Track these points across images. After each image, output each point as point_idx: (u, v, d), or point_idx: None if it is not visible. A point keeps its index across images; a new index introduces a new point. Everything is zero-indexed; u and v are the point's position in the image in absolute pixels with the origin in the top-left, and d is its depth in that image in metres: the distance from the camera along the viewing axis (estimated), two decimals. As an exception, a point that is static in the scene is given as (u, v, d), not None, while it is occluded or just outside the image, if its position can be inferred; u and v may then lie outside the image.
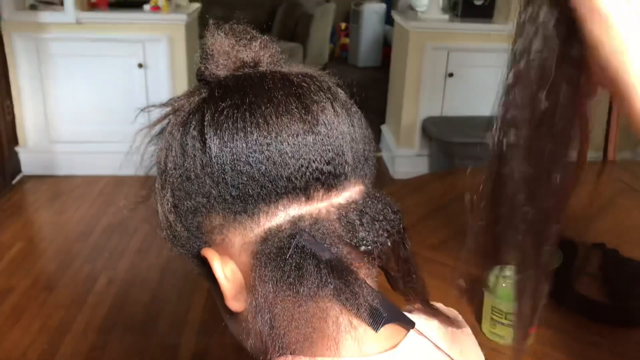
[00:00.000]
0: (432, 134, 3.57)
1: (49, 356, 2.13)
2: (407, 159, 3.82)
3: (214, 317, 2.37)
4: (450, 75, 3.67)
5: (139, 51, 3.54)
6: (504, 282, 1.03)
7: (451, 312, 0.62)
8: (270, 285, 0.47)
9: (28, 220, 3.21)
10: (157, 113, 0.54)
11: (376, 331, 0.49)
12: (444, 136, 3.41)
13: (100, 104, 3.61)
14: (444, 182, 1.86)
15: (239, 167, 0.46)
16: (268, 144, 0.46)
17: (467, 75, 3.67)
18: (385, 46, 7.09)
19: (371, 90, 5.87)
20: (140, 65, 3.55)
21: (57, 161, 3.69)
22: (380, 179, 3.73)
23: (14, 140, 3.66)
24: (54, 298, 2.47)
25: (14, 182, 3.59)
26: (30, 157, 3.69)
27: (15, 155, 3.65)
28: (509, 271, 1.06)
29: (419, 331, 0.53)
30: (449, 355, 0.54)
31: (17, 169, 3.67)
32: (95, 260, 2.77)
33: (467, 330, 0.62)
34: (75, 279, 2.61)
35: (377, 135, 4.28)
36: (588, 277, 1.26)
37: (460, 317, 0.62)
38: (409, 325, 0.53)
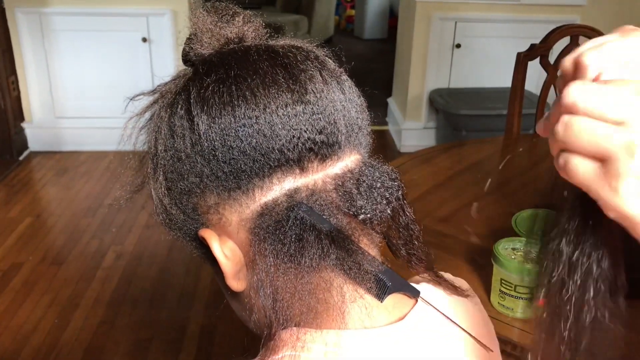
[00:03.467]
0: (439, 107, 3.54)
1: (59, 330, 2.15)
2: (414, 132, 3.79)
3: (221, 291, 2.38)
4: (458, 46, 3.62)
5: (142, 25, 3.51)
6: (513, 254, 1.02)
7: (459, 281, 0.62)
8: (271, 258, 0.46)
9: (36, 195, 3.22)
10: (146, 101, 0.53)
11: (381, 301, 0.49)
12: (452, 108, 3.38)
13: (105, 79, 3.60)
14: (451, 154, 1.85)
15: (229, 142, 0.45)
16: (257, 117, 0.45)
17: (474, 46, 3.62)
18: (392, 17, 7.00)
19: (377, 63, 5.82)
20: (144, 40, 3.52)
21: (63, 137, 3.69)
22: (386, 152, 3.73)
23: (20, 116, 3.65)
24: (63, 273, 2.49)
25: (21, 158, 3.60)
26: (37, 133, 3.69)
27: (21, 131, 3.65)
28: (519, 243, 1.05)
29: (425, 300, 0.53)
30: (457, 324, 0.54)
31: (24, 145, 3.68)
32: (103, 236, 2.78)
33: (476, 299, 0.61)
34: (83, 254, 2.63)
35: (384, 109, 4.25)
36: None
37: (468, 286, 0.62)
38: (415, 294, 0.52)
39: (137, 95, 0.55)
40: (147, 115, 0.52)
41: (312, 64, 0.48)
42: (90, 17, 3.47)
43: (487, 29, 3.61)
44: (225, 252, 0.49)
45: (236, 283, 0.50)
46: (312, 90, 0.47)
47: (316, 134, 0.46)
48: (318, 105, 0.47)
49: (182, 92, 0.48)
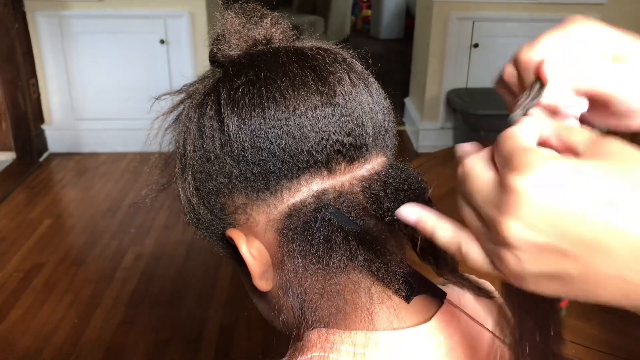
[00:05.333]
0: (456, 107, 3.52)
1: (80, 330, 2.17)
2: (432, 133, 3.78)
3: (240, 291, 2.39)
4: (475, 46, 3.60)
5: (160, 27, 3.53)
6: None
7: (484, 284, 0.61)
8: (299, 259, 0.47)
9: (56, 197, 3.25)
10: (172, 101, 0.53)
11: (408, 302, 0.49)
12: (469, 108, 3.36)
13: (124, 81, 3.63)
14: (470, 154, 1.83)
15: (258, 144, 0.45)
16: (286, 119, 0.45)
17: (492, 46, 3.60)
18: (408, 17, 6.99)
19: (394, 63, 5.81)
20: (162, 42, 3.55)
21: (82, 138, 3.73)
22: (404, 153, 3.72)
23: (39, 118, 3.70)
24: (83, 273, 2.51)
25: (41, 159, 3.64)
26: (56, 135, 3.73)
27: (41, 133, 3.70)
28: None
29: (451, 302, 0.53)
30: (483, 325, 0.53)
31: (44, 146, 3.72)
32: (123, 236, 2.80)
33: (501, 301, 0.61)
34: (103, 255, 2.65)
35: (401, 109, 4.24)
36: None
37: (492, 288, 0.62)
38: (441, 296, 0.52)
39: (163, 95, 0.55)
40: (173, 115, 0.52)
41: (341, 66, 0.49)
42: (109, 20, 3.51)
43: (505, 28, 3.59)
44: (253, 252, 0.49)
45: (263, 283, 0.50)
46: (341, 93, 0.47)
47: (344, 136, 0.46)
48: (346, 108, 0.47)
49: (212, 93, 0.48)
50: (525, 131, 0.36)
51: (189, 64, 3.58)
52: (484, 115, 3.30)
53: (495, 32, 3.59)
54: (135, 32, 3.55)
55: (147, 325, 2.22)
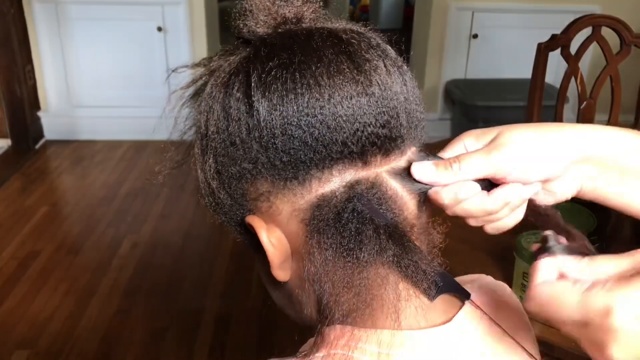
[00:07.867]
0: (455, 98, 3.51)
1: (75, 319, 2.16)
2: (430, 123, 3.75)
3: (236, 280, 2.39)
4: (475, 36, 3.58)
5: (157, 14, 3.50)
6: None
7: (501, 285, 0.61)
8: (328, 251, 0.45)
9: (52, 184, 3.24)
10: (187, 76, 0.51)
11: (431, 301, 0.47)
12: (468, 99, 3.35)
13: (121, 68, 3.60)
14: (469, 145, 1.83)
15: (290, 132, 0.43)
16: (321, 107, 0.43)
17: (492, 37, 3.58)
18: (407, 7, 6.94)
19: (392, 53, 5.78)
20: (159, 29, 3.52)
21: (79, 126, 3.71)
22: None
23: (36, 105, 3.67)
24: (79, 261, 2.50)
25: (37, 146, 3.62)
26: (53, 122, 3.70)
27: (37, 120, 3.67)
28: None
29: (474, 303, 0.51)
30: (503, 329, 0.51)
31: (40, 133, 3.70)
32: (119, 225, 2.79)
33: (519, 304, 0.60)
34: (99, 243, 2.64)
35: (399, 99, 4.23)
36: (621, 243, 1.23)
37: (510, 291, 0.61)
38: (465, 296, 0.51)
39: (180, 67, 0.53)
40: (192, 90, 0.50)
41: (376, 52, 0.47)
42: (106, 6, 3.48)
43: (504, 19, 3.57)
44: (273, 241, 0.47)
45: (282, 273, 0.49)
46: (377, 83, 0.45)
47: (379, 128, 0.45)
48: (382, 98, 0.45)
49: (240, 73, 0.46)
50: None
51: (186, 51, 3.56)
52: (483, 106, 3.29)
53: (495, 22, 3.57)
54: (132, 19, 3.52)
55: (143, 314, 2.21)
